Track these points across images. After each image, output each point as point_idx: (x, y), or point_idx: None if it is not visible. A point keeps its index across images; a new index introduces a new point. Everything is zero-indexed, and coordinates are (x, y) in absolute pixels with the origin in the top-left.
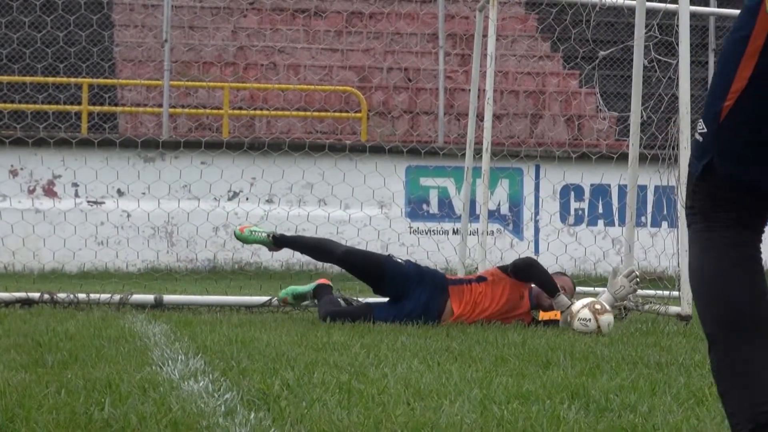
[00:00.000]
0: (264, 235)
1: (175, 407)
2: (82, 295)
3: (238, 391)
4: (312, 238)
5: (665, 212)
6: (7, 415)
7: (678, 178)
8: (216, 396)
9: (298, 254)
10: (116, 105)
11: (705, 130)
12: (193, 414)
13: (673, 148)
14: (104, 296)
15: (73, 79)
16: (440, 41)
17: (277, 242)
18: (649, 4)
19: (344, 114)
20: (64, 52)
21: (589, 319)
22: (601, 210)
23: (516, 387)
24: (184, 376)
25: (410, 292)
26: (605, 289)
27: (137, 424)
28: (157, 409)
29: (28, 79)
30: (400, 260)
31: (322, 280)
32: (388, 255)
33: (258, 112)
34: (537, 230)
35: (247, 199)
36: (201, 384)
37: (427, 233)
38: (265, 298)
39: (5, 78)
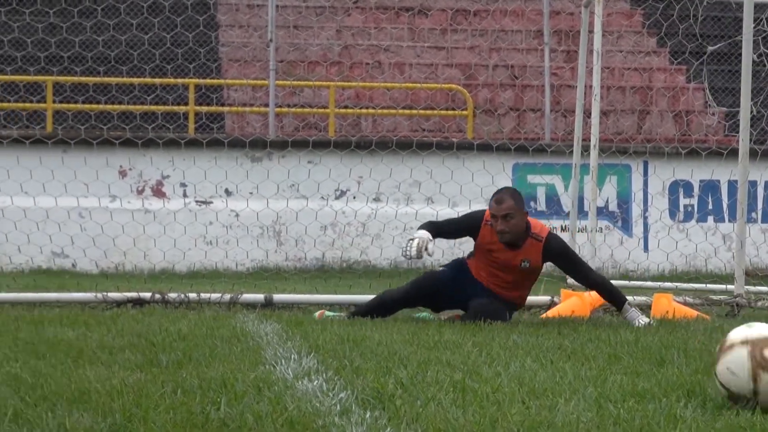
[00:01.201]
0: (340, 315)
1: (290, 406)
2: (192, 295)
3: (352, 390)
4: (371, 301)
5: None
6: (125, 415)
7: None
8: (331, 395)
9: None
10: (223, 105)
11: None
12: (308, 413)
13: None
14: (215, 296)
15: (180, 80)
16: (545, 38)
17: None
18: None
19: (450, 112)
20: (171, 53)
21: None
22: (711, 206)
23: (631, 385)
24: (297, 375)
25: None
26: None
27: (254, 424)
28: (273, 408)
29: (136, 80)
30: (439, 269)
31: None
32: (430, 271)
33: (364, 110)
34: (646, 227)
35: (354, 197)
36: (315, 383)
37: None
38: (373, 296)
39: (114, 80)
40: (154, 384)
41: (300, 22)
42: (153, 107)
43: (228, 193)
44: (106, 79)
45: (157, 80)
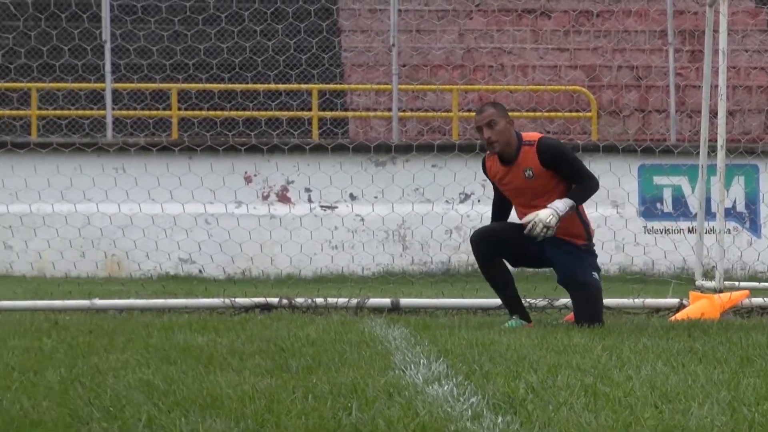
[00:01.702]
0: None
1: (422, 411)
2: (319, 300)
3: (483, 395)
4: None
5: None
6: (257, 420)
7: None
8: (461, 400)
9: None
10: (346, 110)
11: None
12: (440, 418)
13: None
14: (341, 300)
15: (304, 86)
16: (669, 38)
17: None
18: None
19: (574, 114)
20: (295, 59)
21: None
22: None
23: (765, 388)
24: (427, 379)
25: None
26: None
27: (385, 429)
28: (404, 413)
29: (260, 86)
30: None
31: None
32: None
33: None
34: None
35: (479, 201)
36: (445, 388)
37: (662, 232)
38: (500, 301)
39: (239, 86)
40: (285, 389)
41: (422, 26)
42: (277, 113)
43: (353, 197)
44: (231, 86)
45: (282, 86)
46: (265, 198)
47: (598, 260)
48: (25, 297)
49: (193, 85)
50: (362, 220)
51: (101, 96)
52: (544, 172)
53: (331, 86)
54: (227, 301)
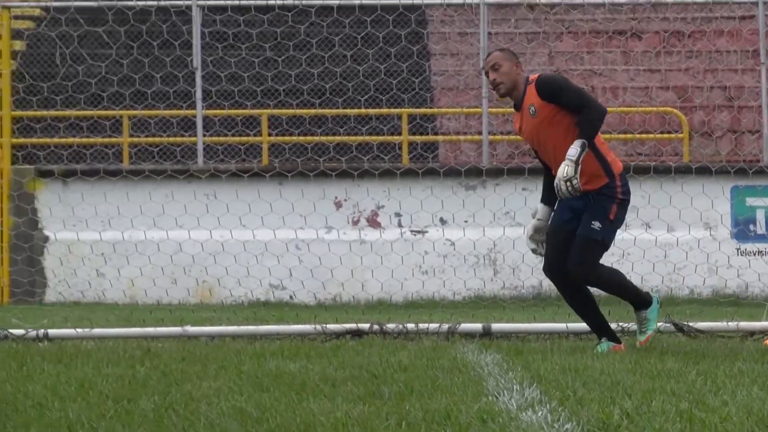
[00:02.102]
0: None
1: None
2: (411, 325)
3: (577, 421)
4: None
5: None
6: None
7: None
8: (556, 426)
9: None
10: (436, 134)
11: None
12: None
13: None
14: (432, 326)
15: (394, 110)
16: (762, 57)
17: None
18: None
19: (666, 135)
20: (385, 83)
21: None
22: None
23: None
24: (521, 406)
25: None
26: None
27: None
28: None
29: (351, 111)
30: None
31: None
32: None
33: None
34: None
35: None
36: (539, 414)
37: (756, 254)
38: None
39: (329, 111)
40: (378, 416)
41: (512, 49)
42: (368, 138)
43: (443, 222)
44: (322, 111)
45: (372, 111)
46: (356, 223)
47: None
48: (118, 324)
49: (283, 111)
50: (453, 244)
51: (192, 123)
52: (545, 106)
53: (421, 110)
54: (318, 327)
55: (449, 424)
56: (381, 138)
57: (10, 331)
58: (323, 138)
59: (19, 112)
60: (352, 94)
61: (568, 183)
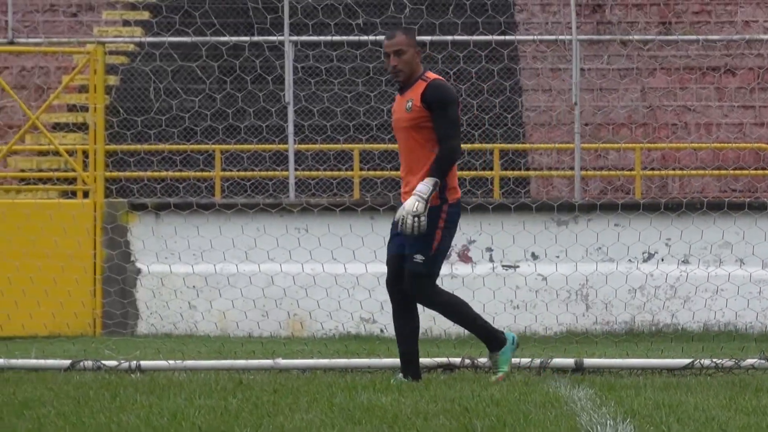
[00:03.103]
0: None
1: None
2: None
3: None
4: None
5: None
6: None
7: None
8: None
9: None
10: (528, 169)
11: None
12: None
13: None
14: (524, 360)
15: (487, 145)
16: None
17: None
18: None
19: (760, 171)
20: (478, 119)
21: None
22: None
23: None
24: None
25: None
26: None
27: None
28: None
29: None
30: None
31: None
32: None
33: (672, 172)
34: None
35: (662, 260)
36: None
37: None
38: (686, 361)
39: None
40: None
41: (604, 85)
42: (460, 173)
43: (535, 257)
44: None
45: (465, 146)
46: (447, 258)
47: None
48: (210, 356)
49: (375, 146)
50: (545, 279)
51: (285, 157)
52: (420, 110)
53: (514, 146)
54: None
55: None
56: (473, 173)
57: (103, 362)
58: None
59: (113, 146)
60: None
61: (416, 219)
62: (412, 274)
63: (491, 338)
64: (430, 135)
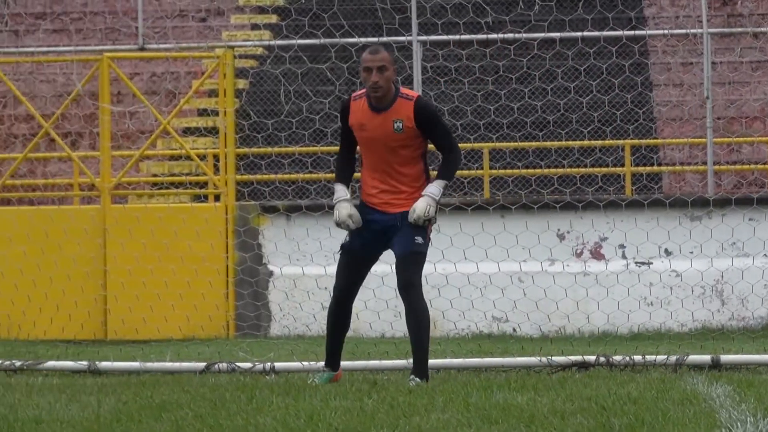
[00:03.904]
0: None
1: None
2: (638, 357)
3: None
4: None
5: None
6: None
7: None
8: None
9: None
10: (660, 165)
11: None
12: None
13: None
14: (660, 358)
15: (618, 141)
16: None
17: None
18: None
19: None
20: (609, 115)
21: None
22: None
23: None
24: None
25: None
26: None
27: None
28: None
29: (574, 143)
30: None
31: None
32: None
33: None
34: None
35: None
36: None
37: None
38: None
39: (553, 144)
40: None
41: (736, 78)
42: (591, 170)
43: (668, 253)
44: (545, 144)
45: (596, 142)
46: (579, 255)
47: None
48: (343, 358)
49: (506, 144)
50: (679, 275)
51: None
52: (412, 130)
53: (645, 141)
54: (544, 359)
55: None
56: (605, 169)
57: (238, 364)
58: (546, 171)
59: (243, 149)
60: (576, 125)
61: (426, 222)
62: (413, 253)
63: (424, 364)
64: (418, 148)
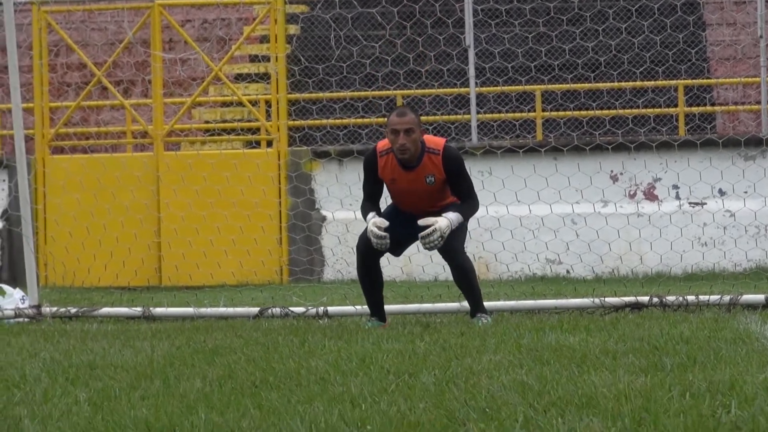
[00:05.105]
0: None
1: None
2: (691, 298)
3: None
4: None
5: None
6: (634, 419)
7: None
8: None
9: None
10: (713, 105)
11: None
12: None
13: None
14: (713, 298)
15: (670, 82)
16: None
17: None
18: None
19: None
20: (661, 55)
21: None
22: None
23: None
24: None
25: None
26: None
27: (766, 426)
28: None
29: (626, 84)
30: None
31: None
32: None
33: None
34: None
35: None
36: None
37: None
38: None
39: (604, 85)
40: (661, 388)
41: None
42: (644, 111)
43: (722, 193)
44: (597, 85)
45: (648, 83)
46: (632, 196)
47: None
48: (396, 301)
49: (558, 86)
50: (732, 215)
51: (466, 100)
52: (442, 180)
53: (698, 81)
54: (597, 300)
55: (734, 395)
56: (657, 110)
57: (291, 309)
58: (598, 112)
59: (295, 95)
60: (628, 66)
61: (440, 239)
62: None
63: (480, 302)
64: (447, 188)
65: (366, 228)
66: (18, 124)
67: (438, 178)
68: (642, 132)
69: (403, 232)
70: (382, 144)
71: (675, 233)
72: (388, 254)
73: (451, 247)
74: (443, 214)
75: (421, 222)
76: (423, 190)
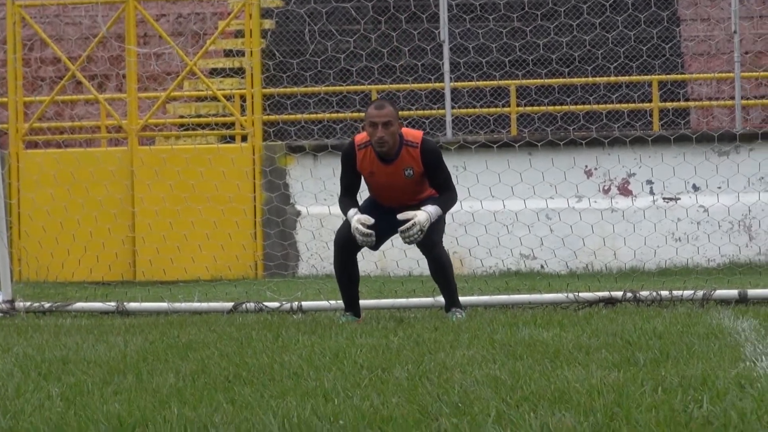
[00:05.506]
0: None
1: None
2: (664, 292)
3: None
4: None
5: None
6: (606, 414)
7: None
8: None
9: None
10: (687, 100)
11: None
12: None
13: None
14: (687, 293)
15: (644, 77)
16: None
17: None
18: None
19: None
20: (635, 50)
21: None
22: None
23: None
24: None
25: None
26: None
27: (738, 422)
28: (757, 405)
29: (601, 79)
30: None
31: None
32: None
33: None
34: None
35: None
36: None
37: None
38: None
39: (579, 80)
40: (633, 382)
41: (765, 12)
42: (618, 106)
43: (696, 188)
44: (571, 80)
45: (623, 78)
46: (606, 191)
47: None
48: (370, 296)
49: (532, 81)
50: (706, 210)
51: (441, 95)
52: (421, 173)
53: (672, 77)
54: (571, 295)
55: (706, 390)
56: (631, 105)
57: (265, 303)
58: (573, 107)
59: (270, 89)
60: (602, 61)
61: (420, 232)
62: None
63: (455, 296)
64: (426, 181)
65: (344, 223)
66: None
67: (416, 171)
68: (616, 127)
69: (382, 226)
70: (360, 137)
71: (649, 228)
72: (364, 249)
73: (430, 240)
74: (422, 208)
75: (400, 216)
76: (401, 184)
